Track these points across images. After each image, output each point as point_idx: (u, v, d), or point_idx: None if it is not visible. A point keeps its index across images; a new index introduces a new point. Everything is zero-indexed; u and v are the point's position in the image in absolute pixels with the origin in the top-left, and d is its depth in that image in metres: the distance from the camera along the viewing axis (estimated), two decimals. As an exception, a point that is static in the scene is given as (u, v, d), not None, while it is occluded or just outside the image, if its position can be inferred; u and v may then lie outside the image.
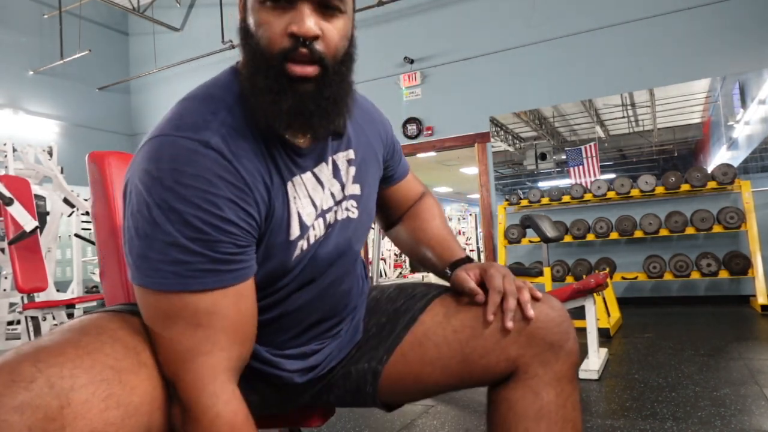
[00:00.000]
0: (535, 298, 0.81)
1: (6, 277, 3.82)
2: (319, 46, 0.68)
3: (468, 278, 0.83)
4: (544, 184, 5.49)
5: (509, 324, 0.78)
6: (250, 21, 0.70)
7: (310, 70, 0.68)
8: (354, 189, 0.85)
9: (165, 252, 0.64)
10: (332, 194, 0.81)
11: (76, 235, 5.04)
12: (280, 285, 0.79)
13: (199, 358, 0.66)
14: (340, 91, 0.72)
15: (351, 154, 0.85)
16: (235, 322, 0.69)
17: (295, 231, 0.75)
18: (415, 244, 1.01)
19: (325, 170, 0.80)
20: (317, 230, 0.79)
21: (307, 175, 0.78)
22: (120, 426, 0.58)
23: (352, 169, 0.84)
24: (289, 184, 0.75)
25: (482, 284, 0.84)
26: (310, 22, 0.66)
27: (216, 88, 0.74)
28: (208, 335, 0.66)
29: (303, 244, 0.77)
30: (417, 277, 9.52)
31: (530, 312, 0.79)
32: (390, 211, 1.06)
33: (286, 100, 0.68)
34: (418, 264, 1.03)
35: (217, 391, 0.66)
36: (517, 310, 0.80)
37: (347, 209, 0.84)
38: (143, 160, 0.67)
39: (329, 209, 0.81)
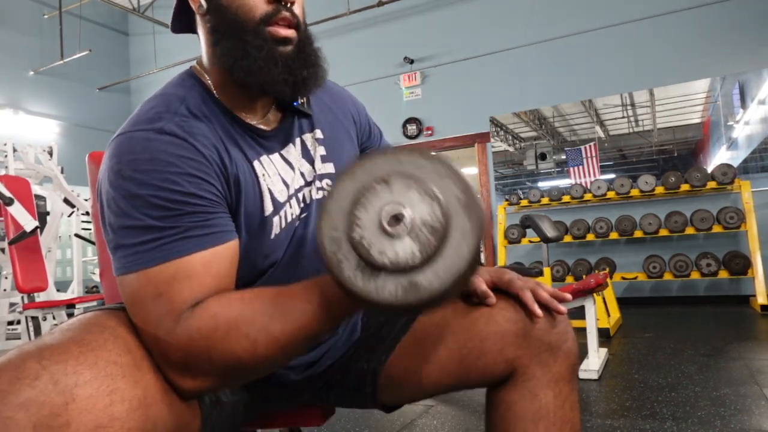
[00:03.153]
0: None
1: (6, 277, 3.82)
2: (297, 9, 0.75)
3: (480, 281, 0.83)
4: (544, 184, 5.49)
5: (539, 312, 0.79)
6: None
7: (291, 32, 0.74)
8: (327, 168, 0.86)
9: (139, 237, 0.66)
10: (302, 174, 0.83)
11: (77, 235, 5.05)
12: (264, 267, 0.79)
13: (168, 298, 0.65)
14: (315, 50, 0.78)
15: (318, 133, 0.87)
16: (203, 278, 0.67)
17: (268, 207, 0.78)
18: None
19: (293, 151, 0.83)
20: (293, 209, 0.81)
21: (275, 156, 0.81)
22: (125, 420, 0.58)
23: (321, 149, 0.86)
24: (256, 163, 0.78)
25: (495, 290, 0.83)
26: None
27: (170, 87, 0.78)
28: (172, 286, 0.65)
29: (279, 221, 0.79)
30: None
31: (560, 307, 0.80)
32: None
33: (279, 57, 0.73)
34: None
35: (196, 309, 0.65)
36: (519, 310, 0.80)
37: (321, 188, 0.85)
38: (106, 159, 0.71)
39: (300, 189, 0.83)
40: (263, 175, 0.78)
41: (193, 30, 0.82)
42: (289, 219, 0.80)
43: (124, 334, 0.65)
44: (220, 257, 0.69)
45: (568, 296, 0.81)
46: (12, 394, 0.52)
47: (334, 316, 0.65)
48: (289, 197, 0.80)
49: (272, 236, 0.78)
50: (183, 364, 0.65)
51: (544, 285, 0.82)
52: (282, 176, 0.80)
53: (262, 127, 0.80)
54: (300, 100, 0.83)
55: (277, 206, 0.78)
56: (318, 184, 0.85)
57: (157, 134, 0.69)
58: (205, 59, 0.79)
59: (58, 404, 0.54)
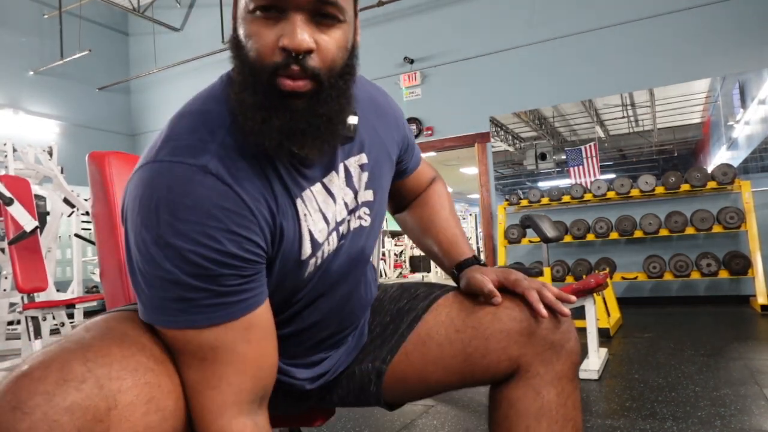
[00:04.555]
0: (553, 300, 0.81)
1: (6, 277, 3.82)
2: (312, 61, 0.61)
3: (486, 280, 0.83)
4: (544, 184, 5.49)
5: (545, 312, 0.78)
6: (240, 32, 0.64)
7: (302, 84, 0.61)
8: (367, 195, 0.81)
9: (167, 289, 0.62)
10: (345, 204, 0.77)
11: (77, 235, 5.04)
12: (292, 302, 0.77)
13: (206, 392, 0.64)
14: (336, 108, 0.65)
15: (363, 158, 0.79)
16: (245, 354, 0.66)
17: (306, 250, 0.72)
18: (422, 233, 1.00)
19: (335, 179, 0.75)
20: (331, 245, 0.76)
21: (317, 188, 0.73)
22: (157, 430, 0.58)
23: (365, 175, 0.79)
24: (299, 201, 0.70)
25: (500, 289, 0.83)
26: (303, 35, 0.60)
27: (213, 102, 0.69)
28: (214, 369, 0.64)
29: (315, 261, 0.74)
30: (417, 277, 9.53)
31: (564, 310, 0.80)
32: (400, 198, 1.04)
33: (278, 118, 0.62)
34: (424, 253, 1.02)
35: (224, 427, 0.65)
36: (525, 310, 0.80)
37: (360, 217, 0.80)
38: (138, 188, 0.63)
39: (342, 221, 0.77)
40: (305, 215, 0.71)
41: None
42: (325, 256, 0.75)
43: (155, 341, 0.65)
44: (257, 322, 0.67)
45: (573, 298, 0.82)
46: (58, 396, 0.52)
47: None
48: (329, 233, 0.75)
49: (305, 275, 0.74)
50: None
51: (549, 286, 0.82)
52: (323, 211, 0.73)
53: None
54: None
55: (316, 247, 0.73)
56: (358, 212, 0.80)
57: (201, 174, 0.62)
58: None
59: (102, 410, 0.54)
